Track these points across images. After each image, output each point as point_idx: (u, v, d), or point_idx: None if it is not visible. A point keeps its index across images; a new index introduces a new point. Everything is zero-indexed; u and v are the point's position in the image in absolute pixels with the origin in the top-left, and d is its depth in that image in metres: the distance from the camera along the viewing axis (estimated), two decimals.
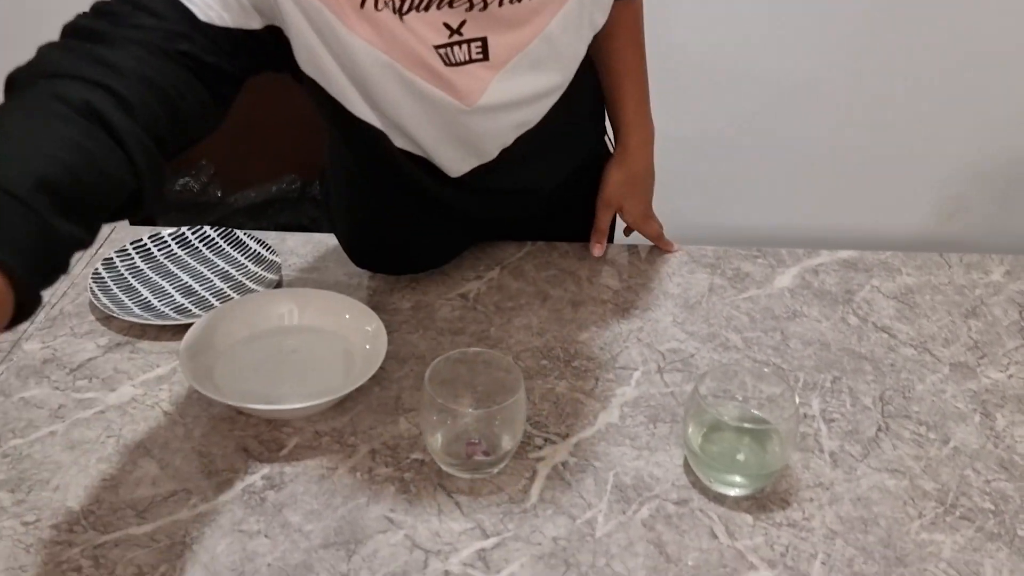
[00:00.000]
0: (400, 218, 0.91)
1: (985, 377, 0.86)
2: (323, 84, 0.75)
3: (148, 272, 0.98)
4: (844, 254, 1.05)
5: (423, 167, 0.86)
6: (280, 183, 2.10)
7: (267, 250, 1.01)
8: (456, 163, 0.86)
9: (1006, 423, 0.80)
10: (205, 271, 0.99)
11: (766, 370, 0.78)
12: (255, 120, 1.99)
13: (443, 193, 0.88)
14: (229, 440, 0.76)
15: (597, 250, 1.04)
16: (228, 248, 1.03)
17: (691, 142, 1.72)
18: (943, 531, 0.69)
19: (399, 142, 0.82)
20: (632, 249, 1.06)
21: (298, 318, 0.87)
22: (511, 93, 0.79)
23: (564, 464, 0.75)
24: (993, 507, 0.72)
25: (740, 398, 0.76)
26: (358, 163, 0.92)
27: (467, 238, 1.01)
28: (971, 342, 0.91)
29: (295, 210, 2.13)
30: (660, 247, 1.06)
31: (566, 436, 0.78)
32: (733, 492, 0.72)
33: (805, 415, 0.80)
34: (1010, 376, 0.86)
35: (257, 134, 2.01)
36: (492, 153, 0.87)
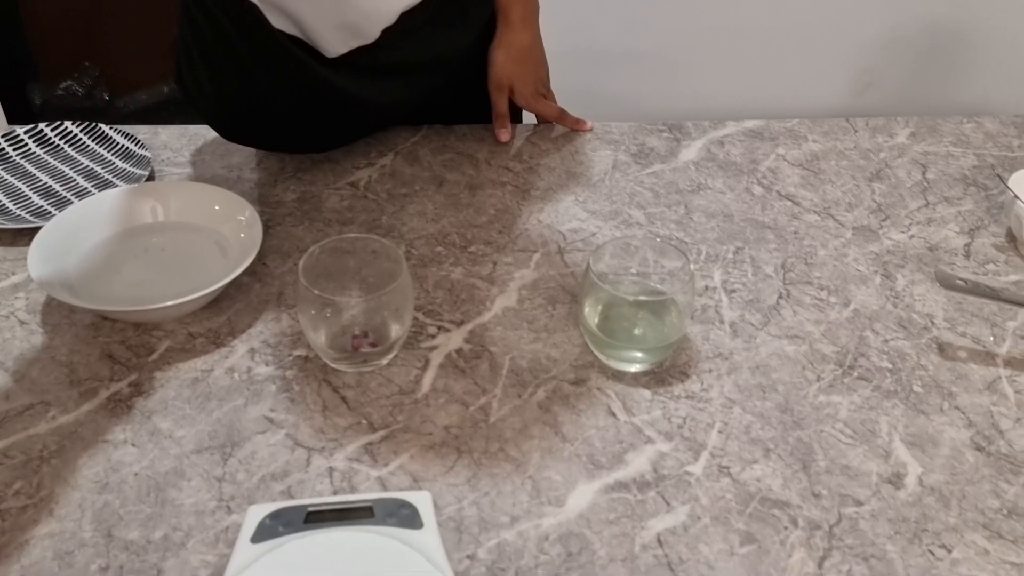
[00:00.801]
0: (274, 98, 0.84)
1: (887, 239, 0.85)
2: None
3: (1, 174, 0.89)
4: (750, 124, 1.02)
5: (300, 46, 0.80)
6: (172, 83, 1.95)
7: (136, 144, 0.93)
8: (335, 44, 0.81)
9: (906, 282, 0.79)
10: (67, 170, 0.91)
11: (658, 240, 0.74)
12: (141, 18, 1.84)
13: (320, 72, 0.82)
14: (93, 348, 0.70)
15: (504, 135, 0.97)
16: (93, 144, 0.94)
17: (599, 23, 1.64)
18: (840, 392, 0.68)
19: (275, 21, 0.76)
20: (535, 128, 1.01)
21: (163, 214, 0.80)
22: None
23: (458, 351, 0.71)
24: (891, 366, 0.71)
25: (635, 272, 0.73)
26: (225, 38, 0.83)
27: (355, 123, 0.94)
28: (874, 205, 0.89)
29: (192, 112, 2.00)
30: (569, 127, 1.00)
31: (461, 323, 0.74)
32: (632, 368, 0.70)
33: (707, 287, 0.78)
34: (911, 237, 0.85)
35: (144, 32, 1.86)
36: (374, 34, 0.82)
